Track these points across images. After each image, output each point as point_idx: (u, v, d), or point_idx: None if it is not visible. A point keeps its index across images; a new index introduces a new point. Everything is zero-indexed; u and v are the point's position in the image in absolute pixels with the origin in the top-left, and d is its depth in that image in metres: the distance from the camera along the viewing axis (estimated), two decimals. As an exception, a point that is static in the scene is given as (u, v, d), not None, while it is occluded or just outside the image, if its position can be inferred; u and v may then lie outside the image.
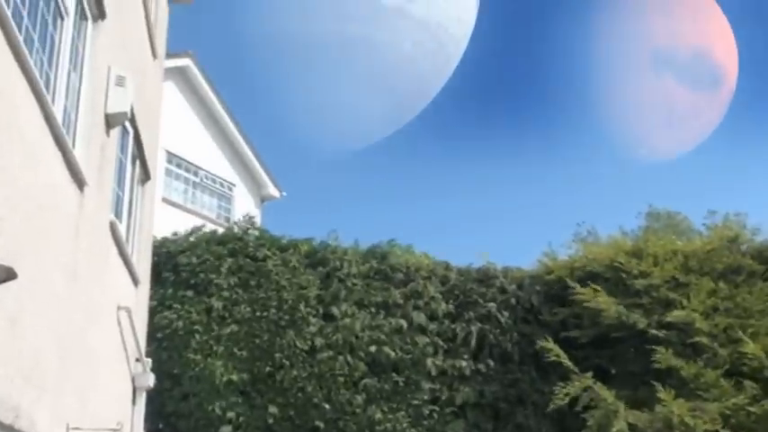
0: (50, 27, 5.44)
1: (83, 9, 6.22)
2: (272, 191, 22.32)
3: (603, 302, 10.97)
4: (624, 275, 11.33)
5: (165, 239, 12.12)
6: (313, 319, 11.53)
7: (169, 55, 13.38)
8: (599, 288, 11.15)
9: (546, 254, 12.87)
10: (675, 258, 11.45)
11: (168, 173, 18.75)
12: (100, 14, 6.52)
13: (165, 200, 17.77)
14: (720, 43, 36.00)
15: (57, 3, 5.50)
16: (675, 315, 10.67)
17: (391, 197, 41.41)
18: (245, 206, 21.01)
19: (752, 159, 36.85)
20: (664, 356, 10.39)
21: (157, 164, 11.59)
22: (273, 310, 11.48)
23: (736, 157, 37.37)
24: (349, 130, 35.45)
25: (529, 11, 42.14)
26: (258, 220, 16.07)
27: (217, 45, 31.23)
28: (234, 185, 21.19)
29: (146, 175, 9.73)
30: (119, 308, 8.00)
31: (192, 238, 12.27)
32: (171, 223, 13.79)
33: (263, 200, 22.41)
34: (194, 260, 11.76)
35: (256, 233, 12.42)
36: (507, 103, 43.33)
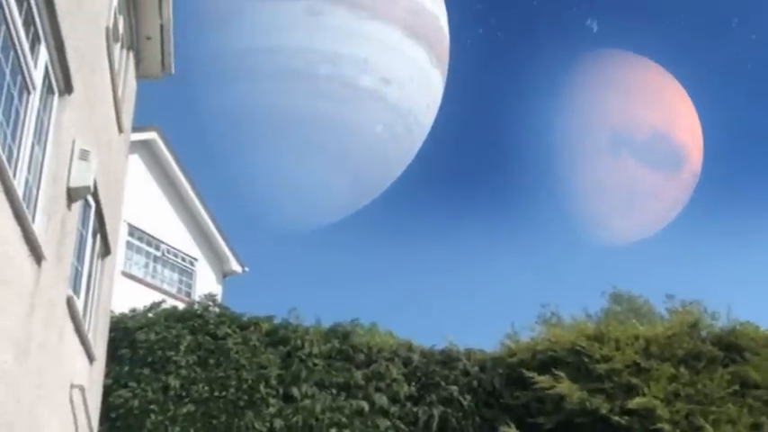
0: (16, 100, 5.42)
1: (50, 83, 6.21)
2: (235, 266, 22.17)
3: (566, 388, 10.91)
4: (586, 359, 11.31)
5: (122, 315, 11.88)
6: (273, 400, 11.28)
7: (135, 128, 13.38)
8: (561, 374, 11.11)
9: (508, 336, 12.83)
10: (637, 343, 11.47)
11: (130, 246, 18.56)
12: (67, 89, 6.51)
13: (125, 273, 17.53)
14: (685, 127, 37.05)
15: (24, 77, 5.49)
16: (637, 402, 10.63)
17: (355, 275, 41.40)
18: (206, 281, 20.81)
19: (714, 243, 37.60)
20: (626, 443, 10.31)
21: (119, 237, 11.47)
22: (232, 390, 11.22)
23: (700, 240, 38.12)
24: (313, 208, 35.57)
25: (492, 95, 43.25)
26: (220, 296, 15.90)
27: (185, 118, 31.40)
28: (196, 260, 21.00)
29: (106, 250, 9.60)
30: (72, 386, 7.76)
31: (150, 315, 12.03)
32: (130, 297, 13.58)
33: (225, 275, 22.22)
34: (152, 337, 11.50)
35: (217, 310, 12.23)
36: (470, 185, 44.04)
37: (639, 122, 36.92)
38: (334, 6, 31.35)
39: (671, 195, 38.20)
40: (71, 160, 6.88)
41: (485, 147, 43.77)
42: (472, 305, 39.66)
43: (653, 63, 37.73)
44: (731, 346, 11.43)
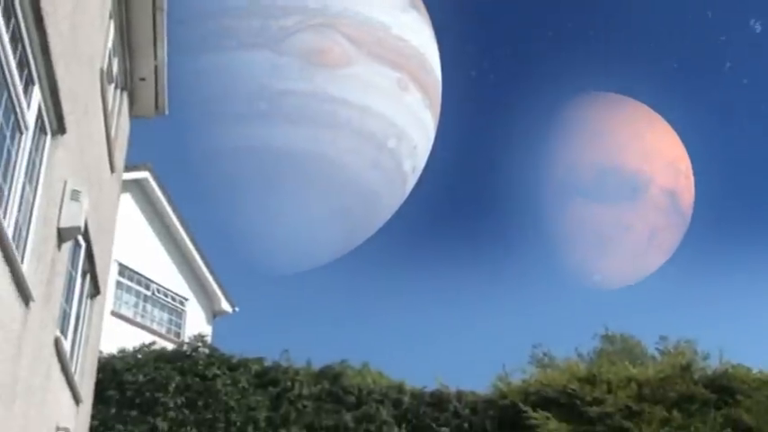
0: (8, 141, 5.42)
1: (43, 123, 6.22)
2: (225, 306, 22.04)
3: (555, 429, 10.83)
4: (578, 402, 11.25)
5: (111, 356, 11.77)
6: (261, 443, 11.16)
7: (127, 167, 13.39)
8: (550, 415, 11.04)
9: (500, 378, 12.77)
10: (629, 386, 11.44)
11: (119, 285, 18.44)
12: (60, 129, 6.52)
13: (114, 313, 17.39)
14: (679, 176, 37.30)
15: (16, 117, 5.50)
16: (630, 445, 10.58)
17: (346, 316, 41.20)
18: (196, 321, 20.66)
19: (706, 285, 37.66)
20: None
21: (109, 277, 11.41)
22: (221, 432, 11.10)
23: (692, 283, 38.19)
24: (304, 249, 35.46)
25: (483, 137, 43.53)
26: (209, 336, 15.77)
27: (177, 157, 31.44)
28: (186, 300, 20.88)
29: (95, 290, 9.54)
30: (57, 428, 7.65)
31: (139, 356, 11.94)
32: (120, 337, 13.46)
33: (215, 315, 22.07)
34: (141, 378, 11.40)
35: (206, 351, 12.14)
36: (461, 227, 44.09)
37: (633, 168, 37.19)
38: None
39: (664, 241, 38.33)
40: (62, 201, 6.86)
41: (476, 189, 43.91)
42: (463, 346, 39.45)
43: (644, 106, 38.11)
44: (723, 389, 11.40)
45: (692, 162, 37.20)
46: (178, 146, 31.06)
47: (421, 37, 33.81)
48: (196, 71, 31.04)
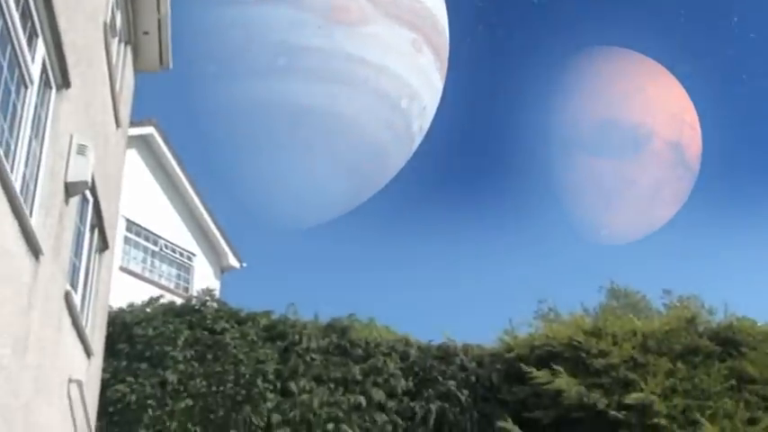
0: (13, 95, 5.41)
1: (47, 77, 6.20)
2: (233, 261, 22.14)
3: (564, 383, 10.93)
4: (584, 355, 11.33)
5: (120, 310, 11.88)
6: (270, 395, 11.28)
7: (133, 123, 13.36)
8: (559, 369, 11.12)
9: (506, 332, 12.85)
10: (634, 338, 11.50)
11: (127, 241, 18.53)
12: (65, 83, 6.50)
13: (122, 269, 17.52)
14: (684, 128, 37.01)
15: (21, 71, 5.48)
16: (634, 397, 10.66)
17: (353, 270, 41.38)
18: (204, 276, 20.79)
19: (712, 239, 37.62)
20: (623, 438, 10.34)
21: (117, 232, 11.46)
22: (230, 385, 11.22)
23: (698, 236, 38.14)
24: (312, 203, 35.51)
25: (490, 93, 43.21)
26: (218, 291, 15.88)
27: (183, 113, 31.33)
28: (194, 255, 20.98)
29: (104, 245, 9.59)
30: (70, 380, 7.77)
31: (148, 309, 12.03)
32: (128, 292, 13.55)
33: (223, 270, 22.19)
34: (150, 332, 11.50)
35: (215, 305, 12.23)
36: (468, 182, 44.02)
37: (623, 117, 36.88)
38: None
39: (672, 195, 38.21)
40: (69, 155, 6.87)
41: (483, 144, 43.70)
42: (470, 300, 39.72)
43: (648, 59, 37.70)
44: (728, 341, 11.46)
45: (700, 114, 36.93)
46: (184, 101, 30.94)
47: (434, -1, 33.65)
48: (216, 24, 30.86)
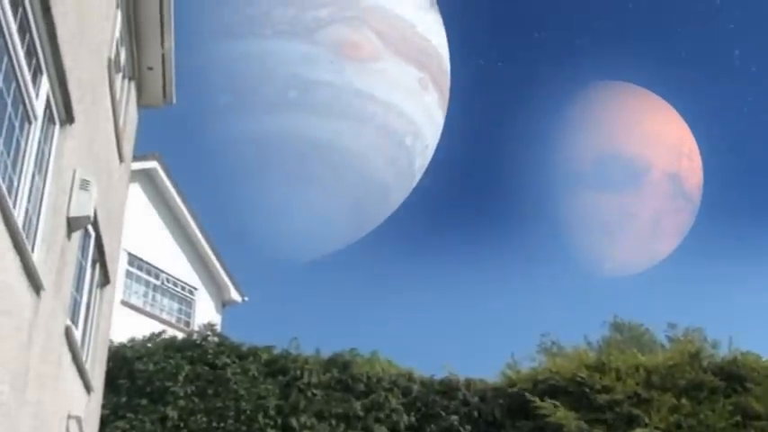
0: (17, 131, 5.43)
1: (51, 113, 6.23)
2: (234, 295, 22.08)
3: (563, 417, 10.84)
4: (587, 389, 11.24)
5: (121, 345, 11.82)
6: (271, 431, 11.19)
7: (136, 157, 13.40)
8: (558, 403, 11.04)
9: (509, 366, 12.78)
10: (638, 373, 11.42)
11: (129, 275, 18.50)
12: (68, 119, 6.53)
13: (124, 303, 17.46)
14: (682, 159, 37.10)
15: (25, 107, 5.51)
16: (638, 432, 10.58)
17: (355, 305, 41.22)
18: (206, 310, 20.72)
19: (715, 273, 37.49)
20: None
21: (118, 266, 11.45)
22: (231, 421, 11.14)
23: (701, 271, 38.02)
24: (313, 238, 35.55)
25: (492, 127, 43.39)
26: (219, 325, 15.82)
27: (186, 147, 31.47)
28: (195, 289, 20.94)
29: (105, 279, 9.58)
30: (69, 417, 7.71)
31: (149, 344, 11.98)
32: (129, 327, 13.51)
33: (224, 304, 22.12)
34: (151, 367, 11.44)
35: (216, 340, 12.17)
36: (470, 216, 44.06)
37: (621, 150, 37.02)
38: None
39: (674, 228, 38.20)
40: (71, 190, 6.89)
41: (485, 178, 43.83)
42: (472, 335, 39.48)
43: (647, 92, 37.90)
44: (733, 377, 11.36)
45: (700, 145, 37.03)
46: (186, 136, 31.10)
47: (440, 38, 34.13)
48: (228, 57, 31.19)
